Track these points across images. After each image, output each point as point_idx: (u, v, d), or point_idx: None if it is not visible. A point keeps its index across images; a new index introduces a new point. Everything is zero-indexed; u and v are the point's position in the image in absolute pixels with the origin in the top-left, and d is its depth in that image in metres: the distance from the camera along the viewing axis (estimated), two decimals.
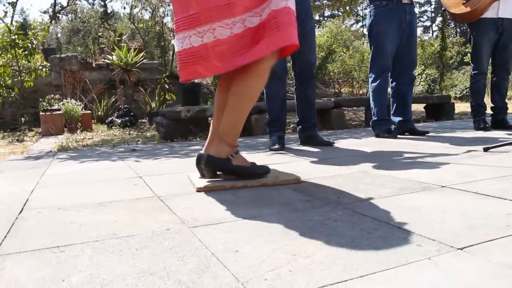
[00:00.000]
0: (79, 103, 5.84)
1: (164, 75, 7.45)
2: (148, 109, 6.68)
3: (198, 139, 4.01)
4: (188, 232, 1.11)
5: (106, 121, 6.25)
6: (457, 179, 1.66)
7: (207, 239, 1.04)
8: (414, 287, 0.76)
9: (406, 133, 3.52)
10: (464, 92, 14.66)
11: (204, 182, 1.69)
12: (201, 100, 5.09)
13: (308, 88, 2.96)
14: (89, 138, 4.90)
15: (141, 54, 7.19)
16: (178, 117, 3.90)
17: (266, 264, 0.87)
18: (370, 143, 3.08)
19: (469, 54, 4.34)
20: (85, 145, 4.04)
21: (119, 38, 8.43)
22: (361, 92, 14.47)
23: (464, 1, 3.47)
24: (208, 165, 1.74)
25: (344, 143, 3.14)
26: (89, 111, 6.13)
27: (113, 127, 6.02)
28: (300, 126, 3.09)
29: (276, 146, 2.85)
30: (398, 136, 3.40)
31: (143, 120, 6.75)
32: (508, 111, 3.88)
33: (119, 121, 6.08)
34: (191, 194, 1.58)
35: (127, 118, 6.15)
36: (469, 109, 6.53)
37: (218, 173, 1.77)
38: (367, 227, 1.11)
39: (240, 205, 1.38)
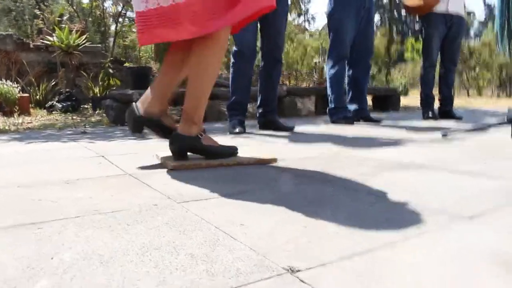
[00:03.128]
0: (16, 85, 5.41)
1: (108, 60, 7.08)
2: (91, 94, 6.33)
3: None
4: (180, 207, 1.02)
5: (46, 105, 5.84)
6: (429, 160, 1.69)
7: (204, 214, 0.96)
8: (443, 250, 0.73)
9: (361, 120, 3.58)
10: (401, 88, 15.31)
11: (177, 161, 1.59)
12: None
13: (274, 71, 2.91)
14: (29, 123, 4.54)
15: (84, 36, 6.79)
16: (129, 100, 3.69)
17: (279, 236, 0.81)
18: (330, 129, 3.09)
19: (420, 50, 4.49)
20: (27, 129, 3.73)
21: (59, 19, 7.92)
22: (304, 85, 14.69)
23: None
24: (176, 143, 1.64)
25: (304, 129, 3.13)
26: (27, 95, 5.69)
27: (53, 112, 5.64)
28: (260, 110, 3.03)
29: (237, 130, 2.78)
30: (354, 123, 3.44)
31: (86, 106, 6.40)
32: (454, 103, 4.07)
33: (60, 105, 5.70)
34: (166, 172, 1.48)
35: (69, 103, 5.78)
36: (409, 103, 6.82)
37: (189, 154, 1.67)
38: (367, 201, 1.07)
39: (224, 182, 1.31)
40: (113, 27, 15.01)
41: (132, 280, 0.63)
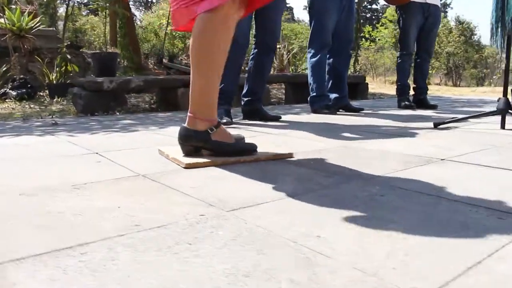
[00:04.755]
0: None
1: (65, 44, 6.63)
2: (47, 81, 5.91)
3: (118, 114, 3.61)
4: (233, 217, 0.89)
5: None
6: (441, 153, 1.65)
7: (267, 225, 0.84)
8: None
9: (341, 110, 3.54)
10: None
11: (189, 158, 1.45)
12: (116, 73, 4.58)
13: (266, 59, 2.80)
14: None
15: (38, 19, 6.32)
16: (99, 88, 3.45)
17: (373, 251, 0.71)
18: (316, 118, 3.02)
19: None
20: None
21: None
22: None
23: None
24: (183, 138, 1.50)
25: (288, 118, 3.04)
26: None
27: (6, 100, 5.22)
28: (247, 98, 2.90)
29: (225, 120, 2.64)
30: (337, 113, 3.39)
31: (41, 93, 5.99)
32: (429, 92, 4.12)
33: (14, 93, 5.28)
34: (182, 172, 1.34)
35: (24, 91, 5.36)
36: (373, 90, 6.89)
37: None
38: (424, 202, 1.00)
39: (259, 183, 1.19)
40: (61, 10, 14.22)
41: None
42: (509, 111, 2.41)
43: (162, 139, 2.07)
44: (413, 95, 4.04)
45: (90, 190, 1.12)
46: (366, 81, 5.76)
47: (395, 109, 3.87)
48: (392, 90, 8.09)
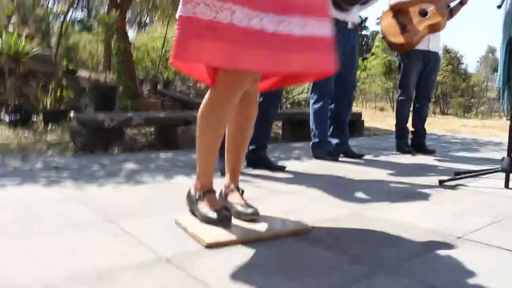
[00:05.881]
0: None
1: (62, 69, 6.61)
2: (41, 106, 5.85)
3: (117, 150, 3.57)
4: None
5: None
6: (457, 225, 1.66)
7: None
8: None
9: (342, 155, 3.55)
10: None
11: (209, 234, 1.43)
12: (116, 106, 4.55)
13: (273, 109, 2.82)
14: None
15: (34, 42, 6.29)
16: (100, 126, 3.42)
17: None
18: (319, 167, 3.03)
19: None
20: None
21: (6, 22, 7.27)
22: None
23: (402, 32, 3.62)
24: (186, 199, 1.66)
25: (291, 166, 3.03)
26: None
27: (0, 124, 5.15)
28: (252, 147, 2.88)
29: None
30: (339, 159, 3.40)
31: (34, 119, 5.93)
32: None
33: (8, 119, 5.21)
34: (204, 253, 1.32)
35: (18, 117, 5.30)
36: (367, 124, 6.95)
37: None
38: None
39: (291, 275, 1.17)
40: (56, 26, 14.16)
41: None
42: None
43: (173, 197, 2.05)
44: (411, 139, 4.08)
45: (117, 280, 1.09)
46: (362, 118, 5.81)
47: (394, 153, 3.90)
48: (383, 121, 8.19)
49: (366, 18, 34.57)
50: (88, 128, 3.46)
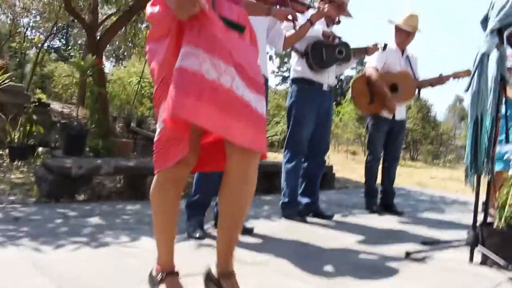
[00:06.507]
0: None
1: (33, 103, 6.47)
2: (8, 139, 5.67)
3: (86, 197, 3.47)
4: None
5: None
6: None
7: None
8: None
9: (311, 214, 3.53)
10: None
11: None
12: (86, 150, 4.43)
13: None
14: None
15: (7, 75, 6.17)
16: (67, 173, 3.33)
17: None
18: (289, 231, 2.99)
19: None
20: None
21: None
22: None
23: (369, 102, 3.84)
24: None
25: (260, 227, 2.97)
26: None
27: None
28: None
29: (198, 235, 2.57)
30: (308, 220, 3.37)
31: (1, 152, 5.74)
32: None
33: None
34: None
35: None
36: (338, 174, 7.01)
37: None
38: None
39: None
40: (31, 53, 13.99)
41: None
42: (476, 247, 2.49)
43: (138, 265, 1.97)
44: (380, 198, 4.13)
45: None
46: (333, 171, 5.86)
47: (362, 212, 3.93)
48: (355, 171, 8.27)
49: None
50: (55, 175, 3.36)
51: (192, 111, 1.23)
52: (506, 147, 3.27)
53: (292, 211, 3.36)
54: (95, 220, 2.84)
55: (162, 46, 1.33)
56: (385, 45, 3.63)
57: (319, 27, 3.32)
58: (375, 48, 3.58)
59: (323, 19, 3.30)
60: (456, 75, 3.85)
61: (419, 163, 16.53)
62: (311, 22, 3.03)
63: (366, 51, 3.62)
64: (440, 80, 3.91)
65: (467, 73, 3.73)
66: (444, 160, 17.88)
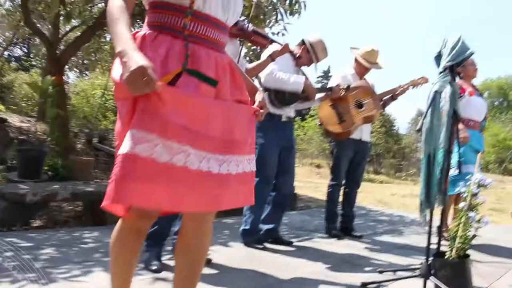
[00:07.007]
0: None
1: None
2: None
3: (39, 223, 3.36)
4: None
5: None
6: None
7: None
8: None
9: (269, 240, 3.54)
10: None
11: None
12: (42, 173, 4.28)
13: None
14: None
15: None
16: (21, 201, 3.23)
17: None
18: (247, 260, 2.99)
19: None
20: None
21: None
22: None
23: (339, 122, 3.81)
24: None
25: (218, 254, 2.97)
26: None
27: None
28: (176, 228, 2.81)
29: (155, 267, 2.54)
30: (267, 246, 3.39)
31: None
32: None
33: None
34: None
35: None
36: (300, 190, 7.09)
37: None
38: None
39: None
40: None
41: None
42: (430, 278, 2.56)
43: None
44: (340, 222, 4.20)
45: None
46: (295, 191, 5.90)
47: (323, 236, 3.98)
48: (318, 186, 8.36)
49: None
50: (9, 202, 3.25)
51: (140, 197, 1.24)
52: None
53: (252, 238, 3.37)
54: (48, 251, 2.76)
55: (124, 108, 1.32)
56: (348, 86, 3.69)
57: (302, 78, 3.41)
58: (338, 89, 3.66)
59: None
60: (414, 83, 3.96)
61: (382, 176, 16.89)
62: (272, 58, 3.07)
63: (331, 91, 3.70)
64: (400, 89, 3.99)
65: (423, 79, 3.90)
66: (406, 173, 18.35)
